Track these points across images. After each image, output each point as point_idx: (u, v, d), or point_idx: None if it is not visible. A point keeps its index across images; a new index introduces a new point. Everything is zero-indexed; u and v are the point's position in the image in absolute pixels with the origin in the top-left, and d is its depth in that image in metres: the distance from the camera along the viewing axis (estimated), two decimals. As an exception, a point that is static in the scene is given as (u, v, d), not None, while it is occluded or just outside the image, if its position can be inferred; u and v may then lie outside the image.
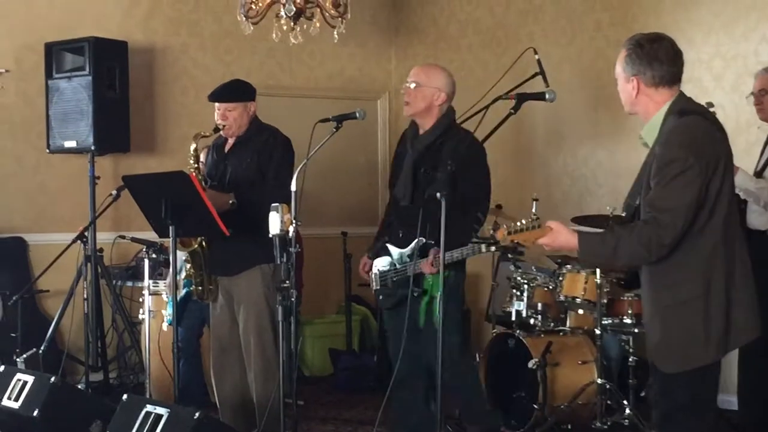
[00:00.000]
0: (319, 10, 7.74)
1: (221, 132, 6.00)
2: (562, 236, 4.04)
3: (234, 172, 5.97)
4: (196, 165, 5.94)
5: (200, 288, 6.02)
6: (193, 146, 5.94)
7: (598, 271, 6.56)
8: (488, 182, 5.76)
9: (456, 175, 5.32)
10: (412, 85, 5.71)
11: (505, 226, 4.11)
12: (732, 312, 3.93)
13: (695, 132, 3.94)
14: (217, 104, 6.00)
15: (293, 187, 5.22)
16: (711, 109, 4.37)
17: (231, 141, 6.06)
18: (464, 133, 5.66)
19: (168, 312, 7.24)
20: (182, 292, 7.03)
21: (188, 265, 6.03)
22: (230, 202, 5.78)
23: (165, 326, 7.10)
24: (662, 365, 4.02)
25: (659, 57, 4.02)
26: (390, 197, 6.10)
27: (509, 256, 7.00)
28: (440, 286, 5.16)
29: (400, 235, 5.80)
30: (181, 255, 7.04)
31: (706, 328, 3.91)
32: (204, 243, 5.95)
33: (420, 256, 5.61)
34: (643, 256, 3.92)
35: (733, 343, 3.99)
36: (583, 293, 6.84)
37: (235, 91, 6.04)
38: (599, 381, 6.59)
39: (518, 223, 4.06)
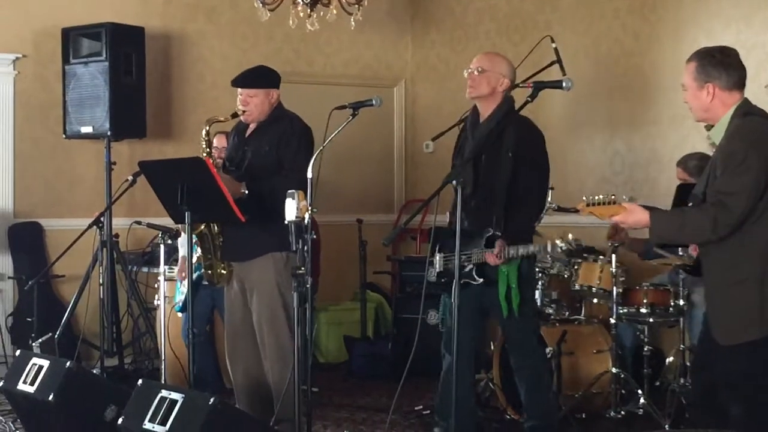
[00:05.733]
0: (336, -4, 7.73)
1: (241, 117, 5.99)
2: (635, 215, 4.46)
3: (252, 158, 5.96)
4: (208, 149, 5.92)
5: (209, 272, 6.02)
6: (205, 129, 5.92)
7: (613, 259, 6.54)
8: (548, 168, 5.87)
9: (516, 161, 5.60)
10: (477, 71, 5.78)
11: (585, 198, 4.52)
12: None
13: (756, 129, 4.38)
14: (239, 89, 5.99)
15: (309, 174, 5.22)
16: None
17: (252, 126, 6.06)
18: (524, 118, 5.76)
19: (176, 298, 7.25)
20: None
21: (199, 249, 6.03)
22: (242, 190, 5.77)
23: (177, 313, 7.14)
24: (721, 337, 4.42)
25: (732, 63, 4.46)
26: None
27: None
28: (456, 278, 5.12)
29: (466, 224, 5.69)
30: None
31: (762, 305, 4.33)
32: (214, 226, 5.95)
33: (486, 245, 5.67)
34: (708, 234, 4.36)
35: None
36: (598, 282, 6.84)
37: (258, 78, 6.02)
38: (614, 370, 6.58)
39: (596, 197, 4.48)
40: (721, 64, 4.43)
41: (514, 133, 5.67)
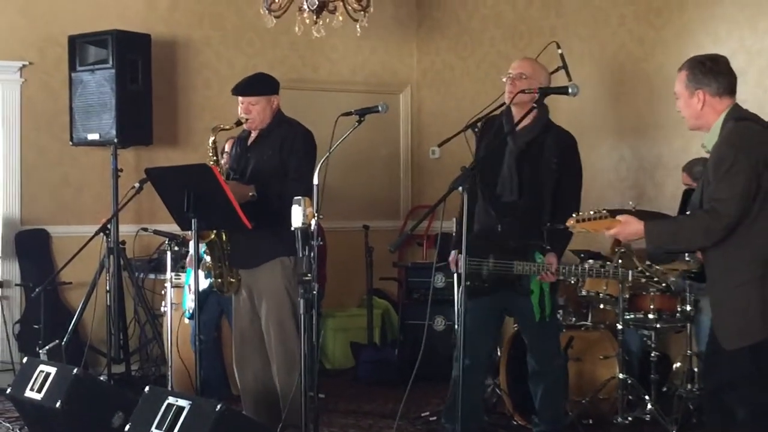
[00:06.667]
0: (341, 3, 7.74)
1: (244, 125, 6.01)
2: (630, 227, 4.55)
3: (256, 165, 5.98)
4: (215, 157, 5.93)
5: (219, 280, 6.01)
6: (211, 139, 5.94)
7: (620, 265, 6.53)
8: (582, 175, 5.92)
9: (560, 169, 5.69)
10: (520, 77, 5.78)
11: (574, 215, 4.62)
12: None
13: (745, 134, 4.43)
14: (240, 98, 6.01)
15: (315, 181, 5.23)
16: None
17: (254, 134, 6.07)
18: (561, 127, 5.85)
19: (185, 305, 7.25)
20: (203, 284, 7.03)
21: (208, 258, 6.03)
22: (250, 194, 5.78)
23: (186, 320, 7.13)
24: (725, 342, 4.45)
25: (721, 70, 4.54)
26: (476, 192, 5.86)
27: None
28: (462, 282, 5.11)
29: (499, 229, 5.80)
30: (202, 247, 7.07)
31: (763, 307, 4.37)
32: (223, 235, 5.95)
33: (521, 255, 5.67)
34: (701, 240, 4.45)
35: None
36: (605, 288, 6.83)
37: (258, 85, 6.05)
38: (621, 376, 6.57)
39: (586, 213, 4.59)
40: (711, 72, 4.51)
41: (554, 141, 5.73)
